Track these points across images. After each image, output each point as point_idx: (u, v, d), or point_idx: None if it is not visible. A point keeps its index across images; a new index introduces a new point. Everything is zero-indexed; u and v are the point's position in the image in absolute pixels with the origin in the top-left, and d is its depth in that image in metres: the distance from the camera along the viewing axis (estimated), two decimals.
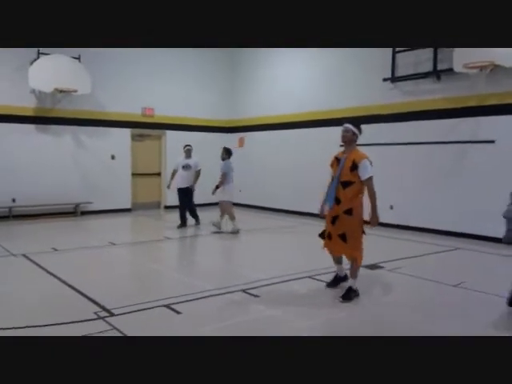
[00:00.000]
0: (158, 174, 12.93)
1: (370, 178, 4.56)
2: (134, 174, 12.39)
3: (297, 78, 11.82)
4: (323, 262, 6.56)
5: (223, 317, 4.29)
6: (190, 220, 9.53)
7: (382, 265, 6.23)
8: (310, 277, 5.57)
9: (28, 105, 10.66)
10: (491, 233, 7.72)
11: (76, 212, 11.25)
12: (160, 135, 12.96)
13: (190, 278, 5.67)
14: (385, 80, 9.62)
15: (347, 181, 4.58)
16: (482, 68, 7.74)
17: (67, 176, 11.18)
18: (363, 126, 4.87)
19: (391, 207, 9.44)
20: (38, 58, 10.35)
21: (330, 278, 5.34)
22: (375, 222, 4.58)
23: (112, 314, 4.21)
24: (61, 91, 10.49)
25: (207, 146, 12.47)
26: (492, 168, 8.02)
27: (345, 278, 5.08)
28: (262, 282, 5.33)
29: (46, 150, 10.90)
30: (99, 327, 3.88)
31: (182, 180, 9.41)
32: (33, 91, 10.56)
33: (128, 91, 12.00)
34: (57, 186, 10.99)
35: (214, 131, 13.53)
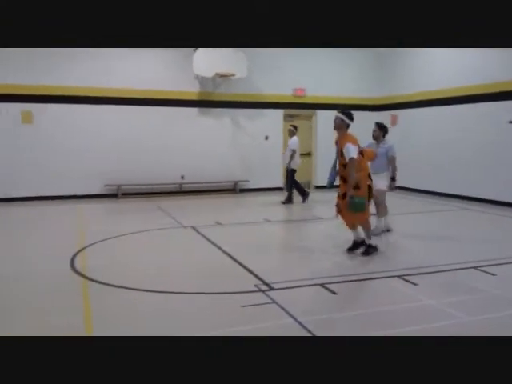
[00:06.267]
0: (309, 154, 13.09)
1: (350, 160, 5.22)
2: None
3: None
4: (492, 252, 6.01)
5: (378, 302, 4.24)
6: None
7: None
8: (475, 267, 5.12)
9: (192, 89, 11.67)
10: None
11: (235, 189, 12.08)
12: (310, 115, 13.06)
13: (343, 258, 5.66)
14: None
15: (344, 163, 5.38)
16: None
17: (227, 156, 12.03)
18: None
19: None
20: None
21: (499, 270, 4.89)
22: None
23: (271, 288, 4.45)
24: (220, 76, 11.24)
25: (358, 125, 12.04)
26: None
27: (362, 243, 5.72)
28: (421, 269, 5.08)
29: (209, 132, 11.84)
30: (259, 299, 4.14)
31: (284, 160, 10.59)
32: (196, 77, 11.49)
33: (280, 73, 12.30)
34: (219, 164, 11.92)
35: (365, 109, 13.10)
